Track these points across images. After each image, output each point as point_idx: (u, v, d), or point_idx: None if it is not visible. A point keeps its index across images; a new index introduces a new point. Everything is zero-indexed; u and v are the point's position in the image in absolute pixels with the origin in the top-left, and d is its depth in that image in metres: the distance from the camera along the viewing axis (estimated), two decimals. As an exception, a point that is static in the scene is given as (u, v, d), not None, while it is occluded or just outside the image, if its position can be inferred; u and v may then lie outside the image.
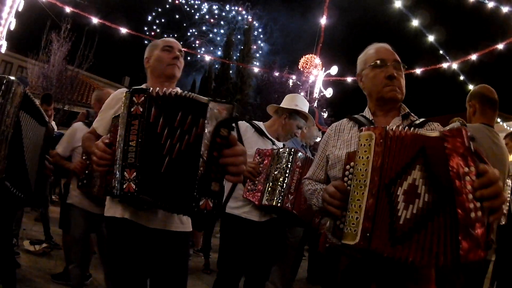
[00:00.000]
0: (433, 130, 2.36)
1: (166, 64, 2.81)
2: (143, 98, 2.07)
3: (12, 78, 2.37)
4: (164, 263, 2.53)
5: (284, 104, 4.21)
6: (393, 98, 2.43)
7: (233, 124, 1.99)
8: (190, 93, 2.06)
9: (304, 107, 4.22)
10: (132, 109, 2.05)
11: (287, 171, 3.59)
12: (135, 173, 1.99)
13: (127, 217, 2.43)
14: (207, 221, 3.03)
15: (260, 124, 4.13)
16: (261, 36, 52.70)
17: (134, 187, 1.98)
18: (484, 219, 1.76)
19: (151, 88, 2.11)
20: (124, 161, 2.01)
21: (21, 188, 2.57)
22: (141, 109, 2.05)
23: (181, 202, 1.98)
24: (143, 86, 2.84)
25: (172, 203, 2.03)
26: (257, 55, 46.28)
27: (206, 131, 1.93)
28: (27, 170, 2.65)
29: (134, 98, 2.07)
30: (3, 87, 2.30)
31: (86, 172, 4.00)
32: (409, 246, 1.78)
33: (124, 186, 1.98)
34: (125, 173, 2.00)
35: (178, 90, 2.60)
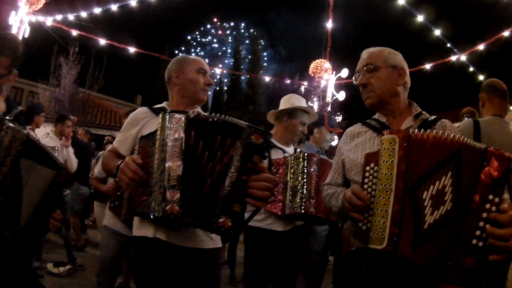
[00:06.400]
0: (445, 127, 2.38)
1: (200, 89, 2.79)
2: (182, 121, 2.07)
3: (11, 124, 2.22)
4: (197, 282, 2.51)
5: (281, 106, 4.23)
6: (369, 106, 2.50)
7: (266, 154, 2.09)
8: (229, 117, 2.11)
9: (301, 103, 4.23)
10: (171, 132, 2.05)
11: (305, 176, 3.58)
12: (178, 195, 1.97)
13: (159, 236, 2.41)
14: (226, 238, 3.04)
15: None
16: (269, 44, 52.97)
17: (178, 209, 1.96)
18: (482, 253, 1.79)
19: (189, 112, 2.14)
20: (165, 183, 2.00)
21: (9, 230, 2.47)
22: (181, 132, 2.05)
23: (205, 218, 2.04)
24: (164, 104, 2.85)
25: (201, 220, 2.08)
26: (266, 64, 46.51)
27: (239, 154, 2.01)
28: (20, 214, 2.53)
29: (173, 120, 2.07)
30: (2, 133, 2.17)
31: (118, 193, 3.97)
32: (424, 249, 1.82)
33: (167, 208, 1.96)
34: (167, 195, 1.98)
35: (199, 109, 2.62)
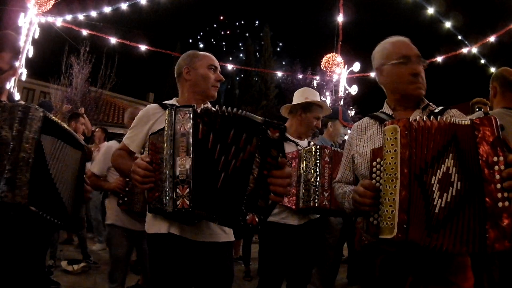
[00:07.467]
0: (453, 117, 2.35)
1: (211, 85, 2.80)
2: (188, 115, 2.07)
3: (30, 104, 2.34)
4: (211, 275, 2.53)
5: (295, 100, 4.22)
6: (419, 96, 2.45)
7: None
8: (242, 111, 2.11)
9: (315, 97, 4.21)
10: (178, 126, 2.06)
11: (317, 169, 3.56)
12: (188, 189, 1.98)
13: (173, 231, 2.42)
14: (250, 233, 3.05)
15: None
16: (281, 40, 52.92)
17: (188, 203, 1.97)
18: None
19: (195, 105, 2.13)
20: (175, 178, 2.01)
21: (55, 213, 2.54)
22: (187, 126, 2.05)
23: (229, 216, 2.04)
24: (174, 100, 2.85)
25: (222, 216, 2.08)
26: (278, 59, 46.48)
27: (258, 150, 2.00)
28: (60, 194, 2.62)
29: (179, 115, 2.07)
30: (19, 113, 2.25)
31: (127, 189, 3.99)
32: (443, 234, 1.82)
33: (178, 203, 1.97)
34: (177, 189, 1.99)
35: (209, 105, 2.62)
